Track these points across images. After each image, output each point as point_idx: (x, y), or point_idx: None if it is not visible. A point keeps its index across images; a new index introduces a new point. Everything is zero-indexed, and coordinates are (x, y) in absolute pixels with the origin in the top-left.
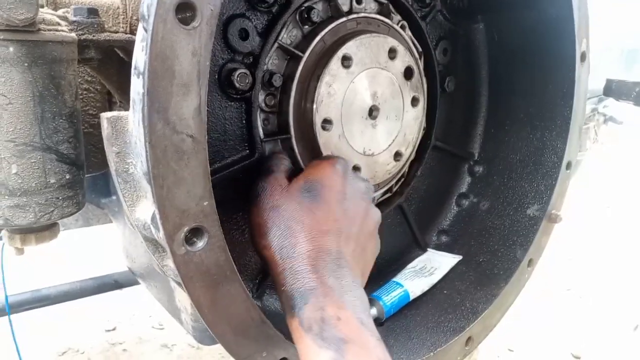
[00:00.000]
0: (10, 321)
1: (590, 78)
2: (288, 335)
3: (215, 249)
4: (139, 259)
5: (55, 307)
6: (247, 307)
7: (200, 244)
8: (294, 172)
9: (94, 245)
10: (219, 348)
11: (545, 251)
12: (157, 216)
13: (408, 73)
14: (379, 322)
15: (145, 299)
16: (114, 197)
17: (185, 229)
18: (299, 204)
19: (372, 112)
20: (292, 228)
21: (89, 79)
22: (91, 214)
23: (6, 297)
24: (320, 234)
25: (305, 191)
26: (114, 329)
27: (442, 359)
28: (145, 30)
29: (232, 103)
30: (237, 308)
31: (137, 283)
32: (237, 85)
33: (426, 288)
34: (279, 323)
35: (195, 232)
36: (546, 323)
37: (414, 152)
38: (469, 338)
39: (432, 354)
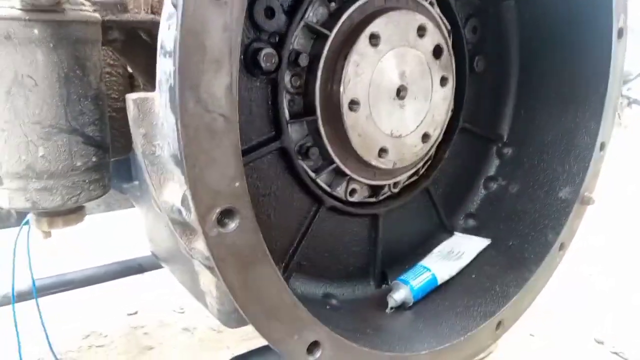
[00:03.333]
0: (37, 305)
1: None
2: (317, 314)
3: (247, 231)
4: (162, 242)
5: (78, 292)
6: (279, 289)
7: (232, 225)
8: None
9: (116, 230)
10: (240, 331)
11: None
12: (189, 197)
13: (437, 52)
14: (406, 306)
15: (167, 283)
16: (136, 182)
17: (218, 210)
18: None
19: (400, 92)
20: None
21: (112, 62)
22: (113, 199)
23: (33, 281)
24: None
25: None
26: (135, 313)
27: (472, 343)
28: (174, 6)
29: (258, 84)
30: (270, 290)
31: (160, 267)
32: (263, 65)
33: (454, 272)
34: (309, 307)
35: (227, 214)
36: (568, 308)
37: (441, 134)
38: (500, 322)
39: (462, 338)
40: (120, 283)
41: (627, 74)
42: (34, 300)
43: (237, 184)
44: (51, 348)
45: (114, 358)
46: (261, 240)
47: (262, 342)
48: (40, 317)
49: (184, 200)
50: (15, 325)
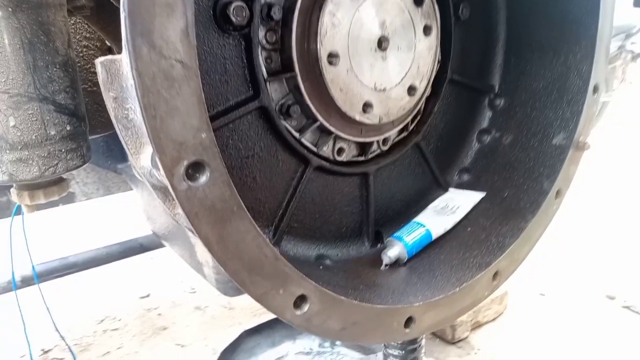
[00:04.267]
0: (40, 289)
1: (616, 10)
2: (309, 273)
3: (218, 184)
4: (158, 219)
5: (90, 278)
6: (259, 243)
7: (203, 178)
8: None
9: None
10: (250, 307)
11: (576, 193)
12: (154, 151)
13: None
14: (401, 262)
15: (176, 265)
16: (129, 162)
17: (185, 162)
18: None
19: (382, 43)
20: None
21: (88, 35)
22: (111, 182)
23: (33, 266)
24: None
25: None
26: (148, 296)
27: (468, 294)
28: None
29: (231, 40)
30: (249, 245)
31: (161, 246)
32: (233, 19)
33: (449, 226)
34: (300, 267)
35: (196, 167)
36: (578, 266)
37: (429, 87)
38: (496, 272)
39: (457, 289)
40: (131, 267)
41: (631, 27)
42: (42, 285)
43: (203, 134)
44: (58, 331)
45: (129, 340)
46: (235, 194)
47: (271, 316)
48: (44, 301)
49: (152, 158)
50: (20, 312)
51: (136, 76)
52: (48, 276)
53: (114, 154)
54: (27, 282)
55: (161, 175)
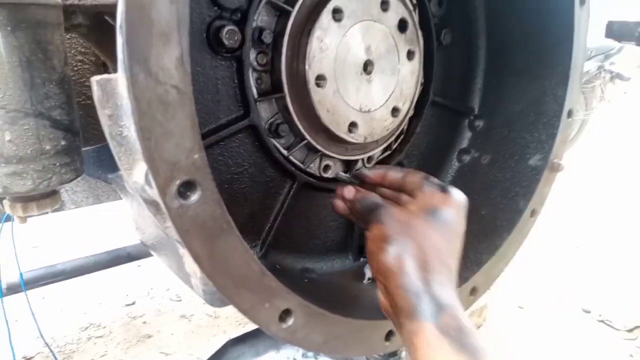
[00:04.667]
0: (27, 297)
1: (595, 35)
2: (291, 288)
3: (209, 202)
4: (147, 229)
5: (75, 285)
6: (247, 259)
7: (194, 197)
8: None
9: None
10: (236, 315)
11: (553, 210)
12: (149, 171)
13: (402, 25)
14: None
15: (162, 273)
16: (120, 172)
17: (177, 182)
18: (430, 225)
19: (367, 67)
20: (424, 245)
21: (82, 50)
22: (100, 191)
23: (21, 274)
24: (449, 255)
25: (435, 216)
26: (133, 303)
27: None
28: None
29: (223, 62)
30: (236, 260)
31: (149, 255)
32: (226, 42)
33: None
34: (286, 280)
35: (187, 186)
36: (556, 280)
37: (412, 108)
38: (474, 288)
39: None
40: (117, 275)
41: (609, 47)
42: (28, 293)
43: (195, 155)
44: (44, 339)
45: (114, 347)
46: (225, 212)
47: (257, 325)
48: (31, 309)
49: (146, 176)
50: (6, 319)
51: (133, 100)
52: (35, 284)
53: (105, 164)
54: (13, 289)
55: (154, 193)
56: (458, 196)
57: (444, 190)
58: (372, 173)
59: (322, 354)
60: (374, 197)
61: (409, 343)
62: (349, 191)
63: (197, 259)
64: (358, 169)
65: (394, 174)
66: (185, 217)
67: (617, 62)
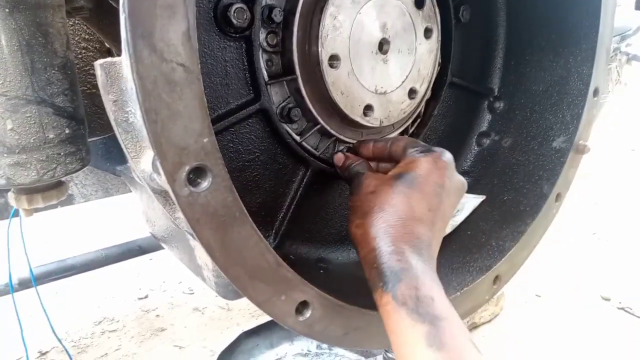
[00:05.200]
0: (37, 292)
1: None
2: (307, 279)
3: (221, 189)
4: (157, 221)
5: (88, 280)
6: (261, 249)
7: (205, 184)
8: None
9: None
10: (249, 307)
11: (570, 196)
12: (156, 156)
13: (419, 1)
14: None
15: (174, 266)
16: (129, 164)
17: (186, 168)
18: (395, 189)
19: (383, 46)
20: (386, 211)
21: (87, 37)
22: (110, 184)
23: (30, 269)
24: (413, 220)
25: (404, 180)
26: (146, 297)
27: (469, 297)
28: None
29: (232, 43)
30: (250, 250)
31: (160, 248)
32: (234, 22)
33: (449, 230)
34: (301, 271)
35: (197, 172)
36: (574, 268)
37: (429, 90)
38: (497, 277)
39: (459, 293)
40: (129, 269)
41: (626, 29)
42: (39, 288)
43: (205, 139)
44: (55, 334)
45: (127, 341)
46: (237, 199)
47: (270, 317)
48: (42, 304)
49: (153, 163)
50: (17, 314)
51: (137, 80)
52: (46, 279)
53: (113, 156)
54: (24, 284)
55: (162, 180)
56: (435, 156)
57: (423, 152)
58: (363, 147)
59: (339, 347)
60: (357, 166)
61: (380, 314)
62: (338, 158)
63: (208, 249)
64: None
65: (380, 145)
66: (195, 206)
67: (633, 44)
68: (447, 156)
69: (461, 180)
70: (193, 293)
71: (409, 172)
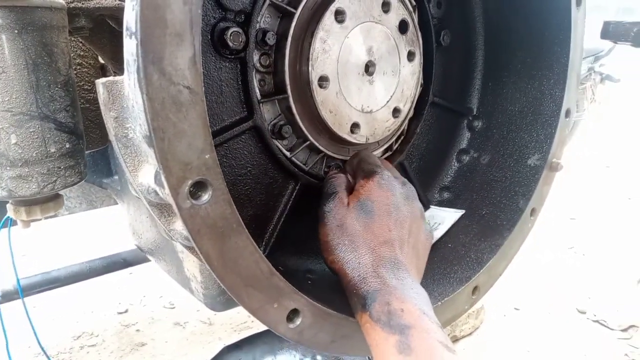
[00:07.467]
0: (24, 304)
1: (585, 37)
2: (299, 288)
3: (220, 202)
4: (145, 234)
5: (67, 294)
6: (256, 259)
7: (205, 197)
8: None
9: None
10: (230, 322)
11: (547, 210)
12: (161, 171)
13: (403, 27)
14: None
15: (155, 280)
16: (115, 177)
17: (189, 182)
18: (358, 221)
19: (369, 67)
20: (355, 243)
21: (82, 53)
22: (94, 197)
23: (18, 281)
24: (378, 245)
25: (361, 209)
26: (126, 311)
27: (449, 307)
28: None
29: (227, 64)
30: (246, 260)
31: (146, 260)
32: (230, 44)
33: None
34: (291, 281)
35: (199, 186)
36: (551, 281)
37: (412, 109)
38: (476, 287)
39: (439, 303)
40: (109, 283)
41: (599, 50)
42: (22, 301)
43: (207, 156)
44: (42, 347)
45: (107, 356)
46: (235, 212)
47: (252, 331)
48: (28, 316)
49: (156, 177)
50: (3, 327)
51: (147, 101)
52: (30, 291)
53: (100, 169)
54: (7, 297)
55: (165, 194)
56: (376, 179)
57: (366, 176)
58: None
59: (319, 357)
60: (334, 184)
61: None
62: (326, 173)
63: (207, 259)
64: None
65: (348, 164)
66: (196, 217)
67: (606, 64)
68: (385, 175)
69: (405, 188)
70: (174, 307)
71: (363, 200)
